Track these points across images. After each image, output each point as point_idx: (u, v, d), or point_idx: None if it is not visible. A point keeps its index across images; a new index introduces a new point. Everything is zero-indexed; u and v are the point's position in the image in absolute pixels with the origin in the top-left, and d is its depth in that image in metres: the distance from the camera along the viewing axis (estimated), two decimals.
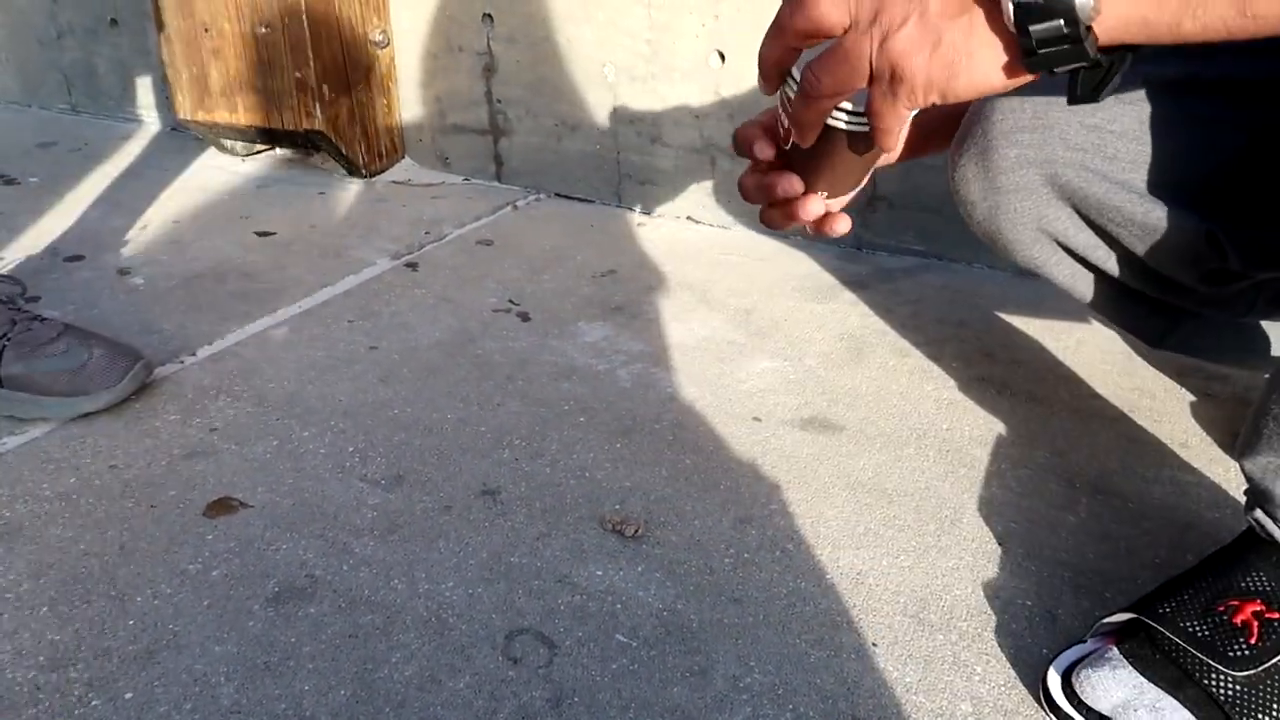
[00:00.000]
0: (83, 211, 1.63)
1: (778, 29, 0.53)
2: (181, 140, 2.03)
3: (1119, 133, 0.69)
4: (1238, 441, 0.68)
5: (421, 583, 0.77)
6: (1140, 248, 0.72)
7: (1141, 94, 0.68)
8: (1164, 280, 0.75)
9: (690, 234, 1.56)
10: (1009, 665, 0.70)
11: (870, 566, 0.80)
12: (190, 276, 1.36)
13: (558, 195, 1.74)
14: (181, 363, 1.12)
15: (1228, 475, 0.91)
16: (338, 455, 0.94)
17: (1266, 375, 0.67)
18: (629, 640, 0.72)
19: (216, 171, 1.85)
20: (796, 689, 0.68)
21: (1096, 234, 0.75)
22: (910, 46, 0.47)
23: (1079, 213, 0.73)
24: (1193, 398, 1.05)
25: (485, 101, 1.75)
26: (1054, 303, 1.29)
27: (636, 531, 0.82)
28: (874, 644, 0.72)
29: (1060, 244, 0.76)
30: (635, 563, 0.80)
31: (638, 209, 1.67)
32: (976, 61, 0.48)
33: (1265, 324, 0.89)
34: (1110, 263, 0.77)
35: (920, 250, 1.47)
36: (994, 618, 0.74)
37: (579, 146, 1.69)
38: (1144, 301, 0.81)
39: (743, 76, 1.49)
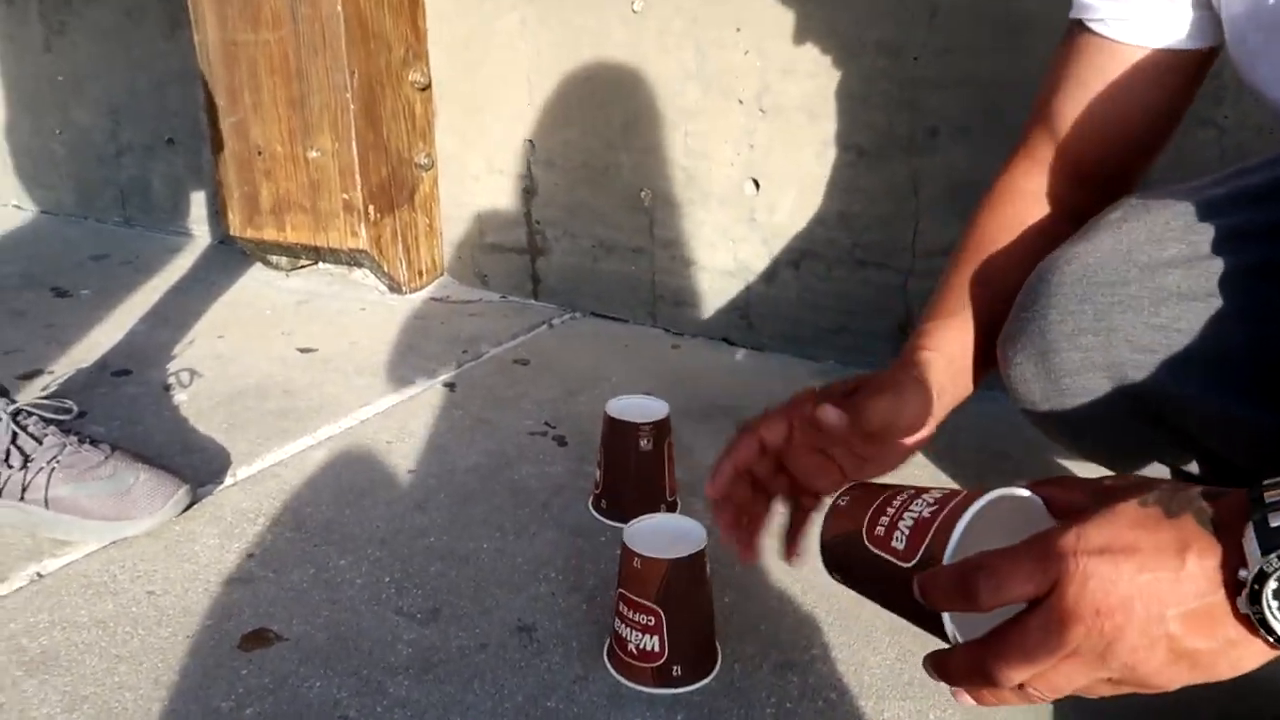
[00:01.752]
0: (132, 325, 1.67)
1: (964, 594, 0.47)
2: (229, 254, 2.09)
3: (1186, 330, 0.66)
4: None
5: None
6: (1216, 444, 0.70)
7: (1207, 287, 0.65)
8: (1233, 472, 0.73)
9: (724, 357, 1.57)
10: None
11: (915, 719, 0.77)
12: (233, 394, 1.38)
13: (593, 314, 1.77)
14: (221, 483, 1.13)
15: None
16: (374, 586, 0.94)
17: None
18: None
19: (262, 286, 1.90)
20: None
21: (1168, 432, 0.72)
22: (1159, 668, 0.43)
23: (1150, 413, 0.70)
24: None
25: (524, 222, 1.80)
26: None
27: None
28: None
29: (1130, 440, 0.74)
30: (675, 710, 0.78)
31: (671, 330, 1.69)
32: (1239, 657, 0.43)
33: None
34: (1182, 455, 0.75)
35: None
36: None
37: (614, 267, 1.72)
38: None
39: (775, 203, 1.52)
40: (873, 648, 0.86)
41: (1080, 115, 0.74)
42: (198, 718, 0.77)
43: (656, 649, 0.79)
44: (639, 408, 1.05)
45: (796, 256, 1.54)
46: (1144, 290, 0.66)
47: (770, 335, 1.60)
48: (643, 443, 1.02)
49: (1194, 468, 0.78)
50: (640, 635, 0.79)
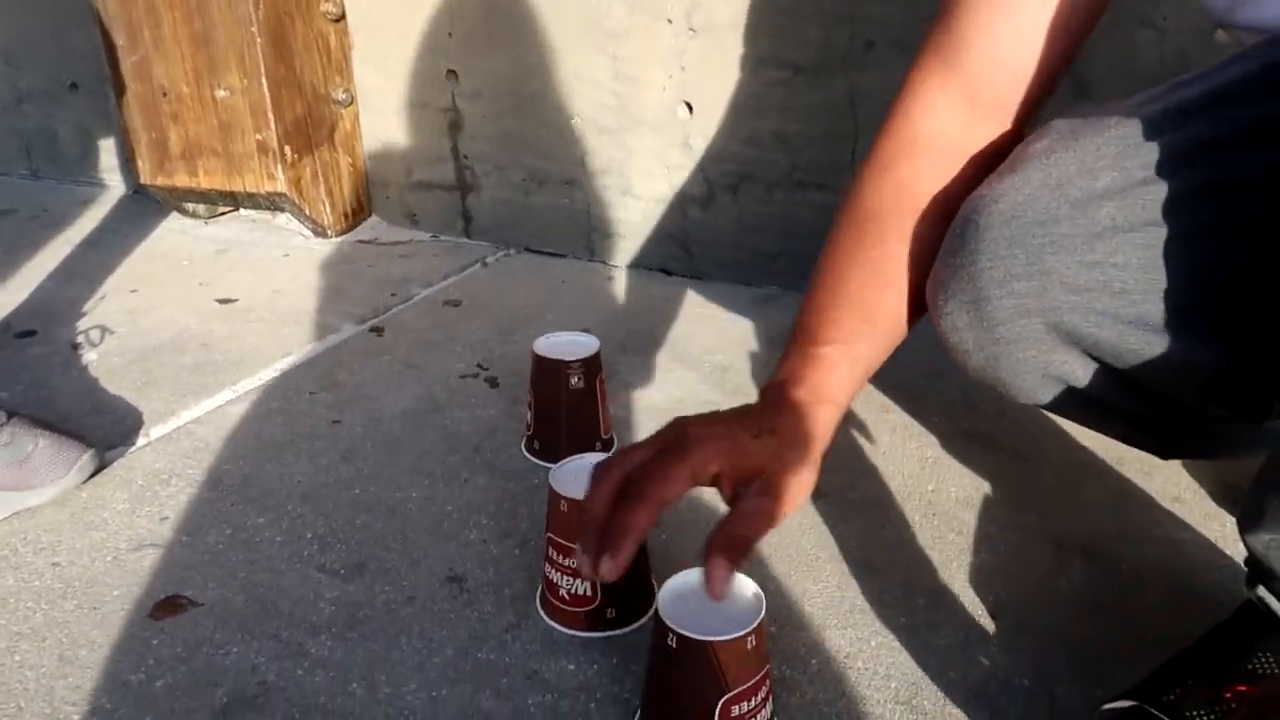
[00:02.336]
0: (39, 283, 1.58)
1: None
2: (143, 204, 1.99)
3: (1123, 265, 0.62)
4: (1239, 514, 0.64)
5: (382, 686, 0.73)
6: (1161, 385, 0.67)
7: (1143, 216, 0.62)
8: (1183, 408, 0.71)
9: (663, 287, 1.53)
10: None
11: (859, 648, 0.75)
12: (146, 350, 1.31)
13: (528, 250, 1.71)
14: (133, 445, 1.07)
15: (1223, 531, 0.88)
16: (295, 543, 0.90)
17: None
18: None
19: (179, 236, 1.81)
20: None
21: (1109, 375, 0.68)
22: None
23: (1088, 355, 0.67)
24: None
25: (452, 158, 1.72)
26: None
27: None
28: None
29: (1069, 386, 0.70)
30: (609, 654, 0.75)
31: (609, 263, 1.64)
32: None
33: None
34: (1123, 398, 0.71)
35: None
36: (990, 701, 0.70)
37: (548, 200, 1.66)
38: (1154, 424, 0.76)
39: (711, 127, 1.47)
40: (814, 576, 0.84)
41: (977, 36, 0.67)
42: (106, 693, 0.72)
43: (589, 593, 0.76)
44: (569, 344, 1.01)
45: (734, 181, 1.49)
46: (1076, 228, 0.61)
47: (710, 263, 1.55)
48: (573, 380, 0.98)
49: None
50: (571, 580, 0.76)
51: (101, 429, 1.09)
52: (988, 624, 0.78)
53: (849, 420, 1.09)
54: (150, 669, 0.74)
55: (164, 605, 0.82)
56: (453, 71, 1.65)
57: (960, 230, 0.66)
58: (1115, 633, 0.76)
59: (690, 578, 0.65)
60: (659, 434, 0.61)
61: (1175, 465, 0.98)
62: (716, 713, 0.61)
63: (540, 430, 1.01)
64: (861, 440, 1.05)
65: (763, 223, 1.49)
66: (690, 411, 1.10)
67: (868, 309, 0.69)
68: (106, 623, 0.80)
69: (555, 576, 0.77)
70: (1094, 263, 0.62)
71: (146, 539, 0.90)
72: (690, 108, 1.48)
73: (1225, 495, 0.93)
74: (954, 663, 0.74)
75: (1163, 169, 0.61)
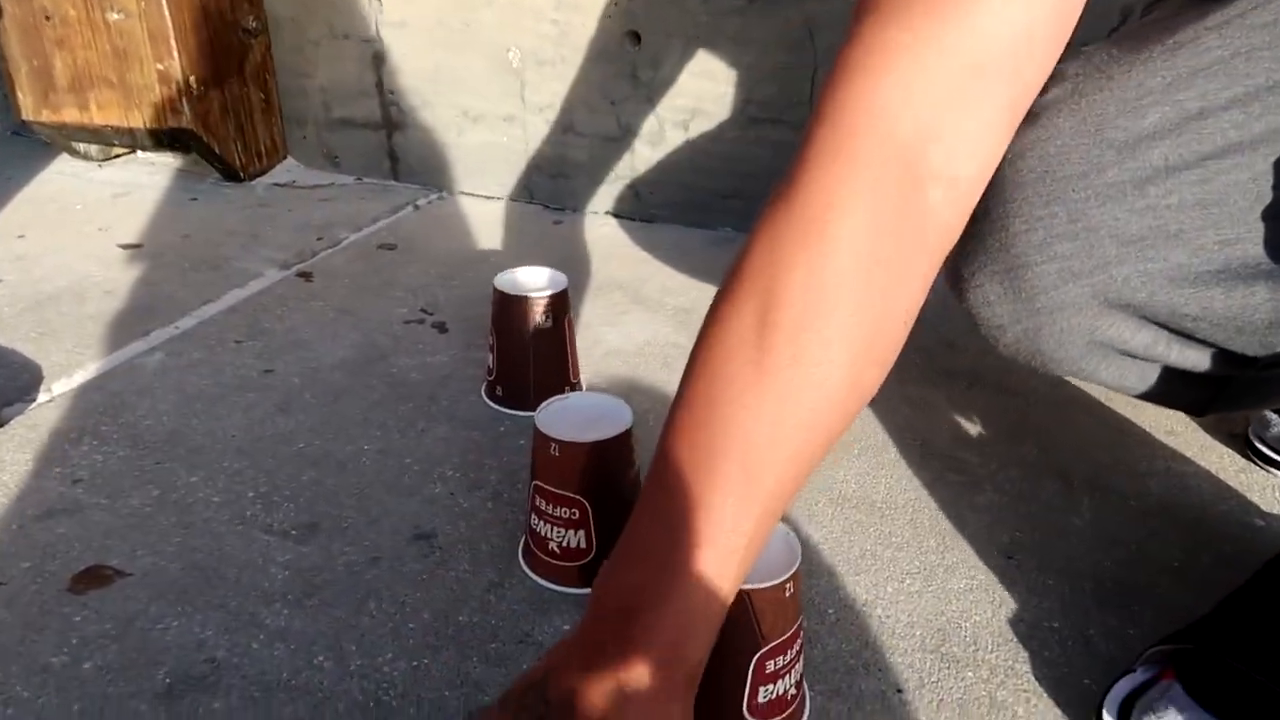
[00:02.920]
0: None
1: None
2: (26, 145, 1.79)
3: (1178, 205, 0.55)
4: None
5: (353, 657, 0.64)
6: (1219, 336, 0.60)
7: (1200, 149, 0.55)
8: (1234, 358, 0.65)
9: (610, 230, 1.45)
10: (1052, 703, 0.61)
11: (875, 595, 0.70)
12: (40, 298, 1.17)
13: (462, 193, 1.60)
14: (33, 401, 0.94)
15: (1223, 463, 0.86)
16: (235, 503, 0.79)
17: None
18: None
19: (69, 179, 1.63)
20: None
21: (1160, 332, 0.62)
22: None
23: (1139, 313, 0.60)
24: None
25: (376, 93, 1.59)
26: None
27: None
28: (899, 689, 0.62)
29: (1116, 350, 0.64)
30: None
31: (551, 205, 1.54)
32: None
33: None
34: (1173, 354, 0.65)
35: None
36: (1022, 646, 0.65)
37: (483, 139, 1.55)
38: (1192, 379, 0.71)
39: (659, 58, 1.38)
40: (816, 522, 0.78)
41: None
42: (21, 679, 0.61)
43: (583, 544, 0.68)
44: (533, 280, 0.92)
45: (685, 116, 1.41)
46: (1124, 174, 0.55)
47: (660, 205, 1.47)
48: (540, 319, 0.89)
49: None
50: (562, 531, 0.68)
51: None
52: (1004, 565, 0.73)
53: None
54: (74, 650, 0.64)
55: (85, 577, 0.71)
56: None
57: (986, 194, 0.56)
58: (1135, 568, 0.73)
59: None
60: None
61: None
62: (751, 669, 0.54)
63: (504, 374, 0.92)
64: None
65: (716, 161, 1.42)
66: (659, 355, 1.04)
67: (765, 479, 0.49)
68: (16, 600, 0.68)
69: (544, 529, 0.69)
70: (1146, 208, 0.55)
71: (57, 504, 0.79)
72: (638, 38, 1.39)
73: (1218, 427, 0.91)
74: (977, 606, 0.69)
75: (1222, 98, 0.54)
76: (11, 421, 0.90)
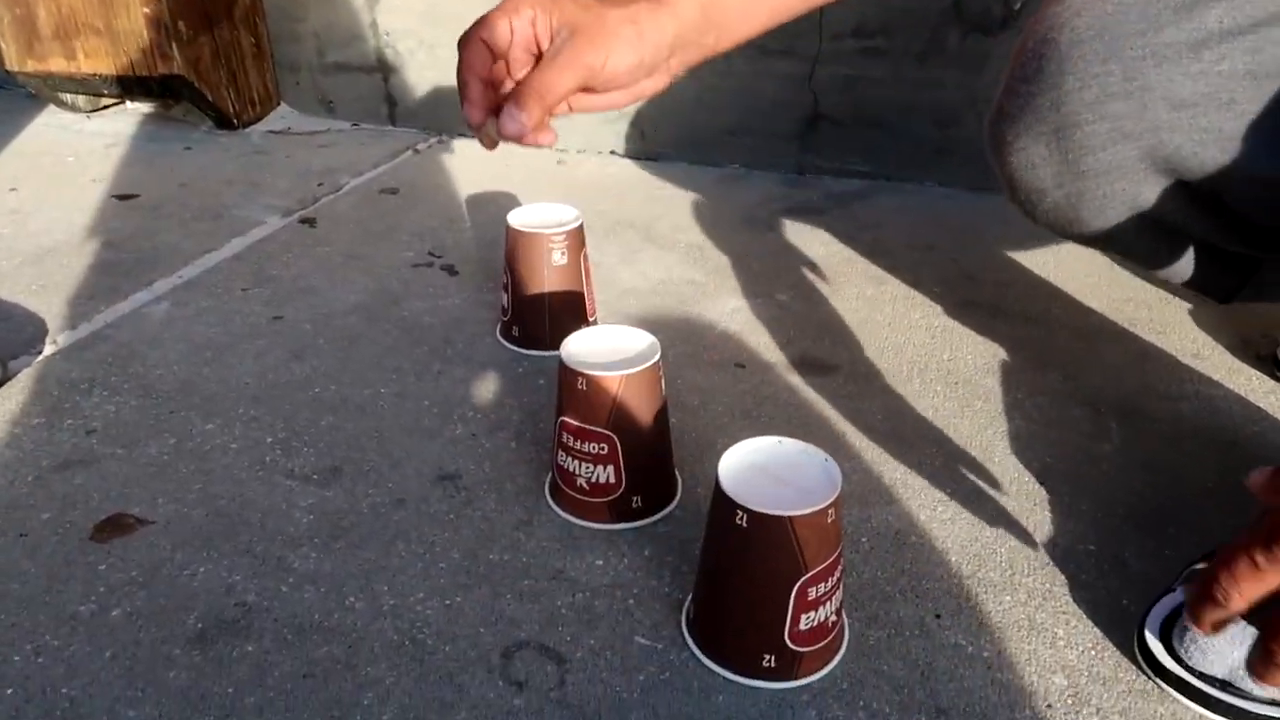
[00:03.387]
0: None
1: None
2: (11, 98, 1.75)
3: (1230, 72, 0.55)
4: None
5: (385, 598, 0.63)
6: (1255, 208, 0.60)
7: (1256, 14, 0.54)
8: (1266, 234, 0.64)
9: (616, 169, 1.42)
10: (1091, 625, 0.60)
11: (908, 524, 0.69)
12: (39, 251, 1.14)
13: (462, 136, 1.56)
14: (39, 353, 0.92)
15: (1251, 385, 0.85)
16: (254, 449, 0.78)
17: None
18: (652, 642, 0.59)
19: (58, 131, 1.60)
20: (862, 680, 0.57)
21: (1197, 201, 0.61)
22: None
23: (1180, 182, 0.60)
24: (1189, 305, 0.98)
25: (371, 35, 1.55)
26: (1021, 218, 1.21)
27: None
28: (937, 615, 0.61)
29: (1150, 218, 0.63)
30: (639, 546, 0.67)
31: (555, 146, 1.51)
32: None
33: None
34: (1204, 227, 0.64)
35: (866, 172, 1.37)
36: (1059, 570, 0.65)
37: None
38: (1221, 259, 0.70)
39: None
40: (845, 453, 0.77)
41: None
42: (50, 629, 0.61)
43: (611, 480, 0.67)
44: (547, 216, 0.90)
45: None
46: (1181, 34, 0.54)
47: (665, 143, 1.45)
48: (555, 256, 0.87)
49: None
50: (591, 467, 0.67)
51: None
52: (1037, 490, 0.72)
53: (845, 292, 1.02)
54: (102, 597, 0.63)
55: (107, 526, 0.70)
56: None
57: (1035, 52, 0.58)
58: (1169, 491, 0.72)
59: (746, 451, 0.57)
60: None
61: (1187, 322, 0.95)
62: (793, 596, 0.53)
63: (520, 314, 0.91)
64: (863, 312, 0.98)
65: (723, 97, 1.38)
66: (676, 293, 1.02)
67: None
68: (38, 550, 0.67)
69: (571, 464, 0.68)
70: (1199, 73, 0.55)
71: (73, 455, 0.77)
72: None
73: (1243, 349, 0.90)
74: (1012, 531, 0.68)
75: None
76: (19, 375, 0.88)
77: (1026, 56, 0.59)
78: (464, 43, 0.56)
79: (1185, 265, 0.69)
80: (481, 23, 0.56)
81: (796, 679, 0.56)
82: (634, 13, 0.55)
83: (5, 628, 0.61)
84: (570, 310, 0.90)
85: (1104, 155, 0.58)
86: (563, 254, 0.87)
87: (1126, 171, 0.59)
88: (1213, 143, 0.56)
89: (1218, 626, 0.45)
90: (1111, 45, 0.55)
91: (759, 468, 0.56)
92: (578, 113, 0.59)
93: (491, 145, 0.58)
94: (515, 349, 0.91)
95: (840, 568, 0.56)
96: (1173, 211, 0.62)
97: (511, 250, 0.89)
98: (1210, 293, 0.73)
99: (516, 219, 0.88)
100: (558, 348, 0.68)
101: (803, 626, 0.55)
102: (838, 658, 0.58)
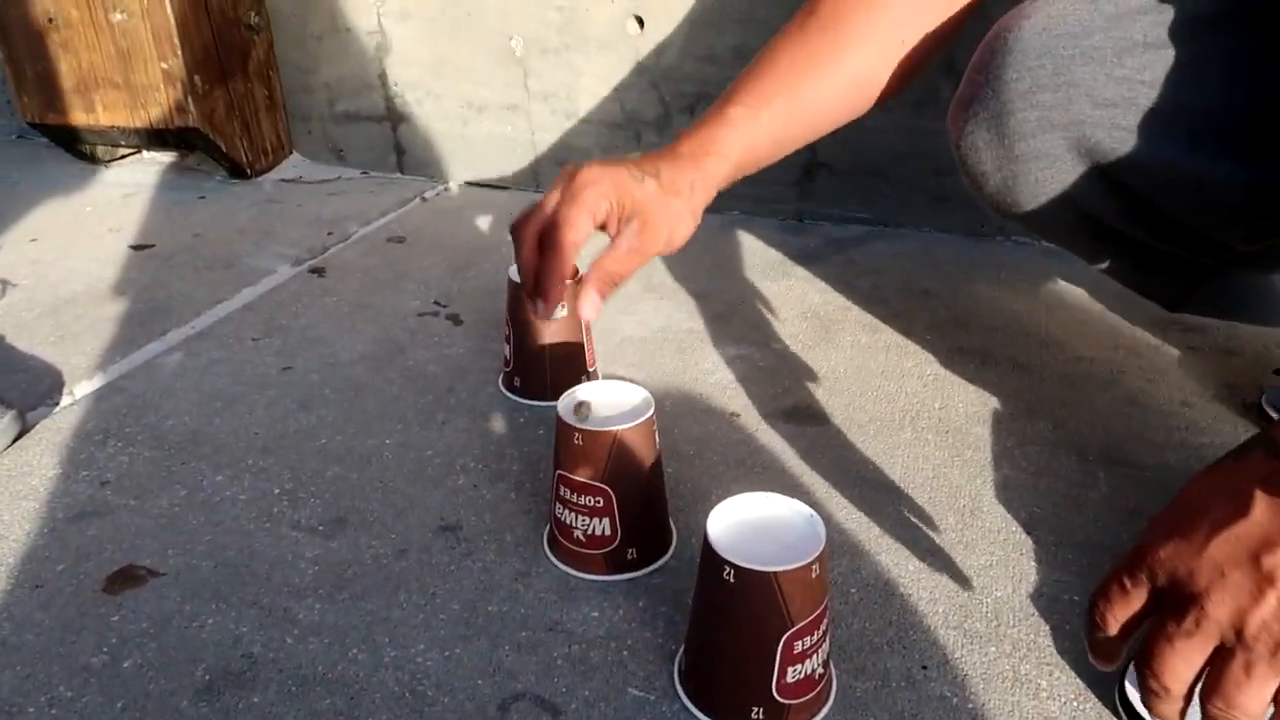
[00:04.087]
0: None
1: None
2: (31, 148, 1.80)
3: (1151, 81, 0.61)
4: None
5: (386, 649, 0.65)
6: (1180, 210, 0.65)
7: (1176, 34, 0.60)
8: (1200, 240, 0.68)
9: None
10: (1075, 676, 0.62)
11: (897, 574, 0.71)
12: (58, 302, 1.18)
13: (468, 184, 1.60)
14: (56, 404, 0.95)
15: (1237, 434, 0.86)
16: (261, 500, 0.80)
17: None
18: (645, 693, 0.61)
19: (77, 181, 1.64)
20: None
21: (1128, 199, 0.67)
22: None
23: (1109, 177, 0.66)
24: (1178, 352, 1.00)
25: (380, 85, 1.59)
26: (1016, 263, 1.23)
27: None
28: (923, 667, 0.63)
29: (1085, 212, 0.69)
30: (633, 597, 0.69)
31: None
32: None
33: None
34: (1140, 227, 0.69)
35: (865, 218, 1.39)
36: (1044, 620, 0.66)
37: (488, 129, 1.55)
38: (1165, 265, 0.75)
39: (663, 42, 1.38)
40: (836, 503, 0.79)
41: None
42: (63, 680, 0.63)
43: (607, 532, 0.69)
44: None
45: (690, 101, 1.41)
46: (1108, 40, 0.61)
47: None
48: (557, 311, 0.90)
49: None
50: (587, 519, 0.69)
51: (16, 389, 0.97)
52: (1024, 540, 0.74)
53: (841, 340, 1.04)
54: (114, 649, 0.65)
55: (119, 578, 0.72)
56: None
57: (989, 46, 0.65)
58: None
59: (734, 507, 0.59)
60: (556, 181, 0.65)
61: (1176, 370, 0.96)
62: (779, 650, 0.55)
63: (521, 364, 0.93)
64: (857, 360, 1.00)
65: None
66: (674, 341, 1.05)
67: (792, 83, 0.68)
68: (53, 602, 0.69)
69: (569, 517, 0.70)
70: (1122, 78, 0.61)
71: (87, 506, 0.80)
72: (641, 22, 1.39)
73: (1230, 398, 0.92)
74: (998, 582, 0.70)
75: None
76: (37, 426, 0.91)
77: (981, 52, 0.66)
78: (553, 245, 0.62)
79: (1126, 266, 0.74)
80: (568, 224, 0.62)
81: None
82: (686, 190, 0.64)
83: (21, 679, 0.63)
84: (570, 361, 0.93)
85: (1034, 142, 0.64)
86: (562, 306, 0.90)
87: (1056, 159, 0.65)
88: (1131, 140, 0.62)
89: (1106, 656, 0.49)
90: (1047, 44, 0.62)
91: (747, 523, 0.58)
92: None
93: (547, 318, 0.69)
94: (516, 399, 0.94)
95: (827, 621, 0.57)
96: (1108, 209, 0.68)
97: (512, 303, 0.91)
98: (1155, 298, 0.78)
99: (517, 272, 0.91)
100: (557, 398, 0.70)
101: (789, 679, 0.56)
102: (825, 710, 0.59)
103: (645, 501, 0.71)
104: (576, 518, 0.70)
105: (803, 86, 0.68)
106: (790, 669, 0.56)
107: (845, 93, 0.70)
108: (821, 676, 0.58)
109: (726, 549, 0.55)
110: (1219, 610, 0.42)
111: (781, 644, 0.55)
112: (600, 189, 0.62)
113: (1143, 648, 0.45)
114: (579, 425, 0.67)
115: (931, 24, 0.68)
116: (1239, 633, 0.41)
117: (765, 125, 0.67)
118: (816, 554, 0.55)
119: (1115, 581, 0.47)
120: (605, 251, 0.64)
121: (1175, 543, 0.44)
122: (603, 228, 0.65)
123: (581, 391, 0.71)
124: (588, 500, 0.69)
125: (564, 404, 0.70)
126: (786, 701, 0.57)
